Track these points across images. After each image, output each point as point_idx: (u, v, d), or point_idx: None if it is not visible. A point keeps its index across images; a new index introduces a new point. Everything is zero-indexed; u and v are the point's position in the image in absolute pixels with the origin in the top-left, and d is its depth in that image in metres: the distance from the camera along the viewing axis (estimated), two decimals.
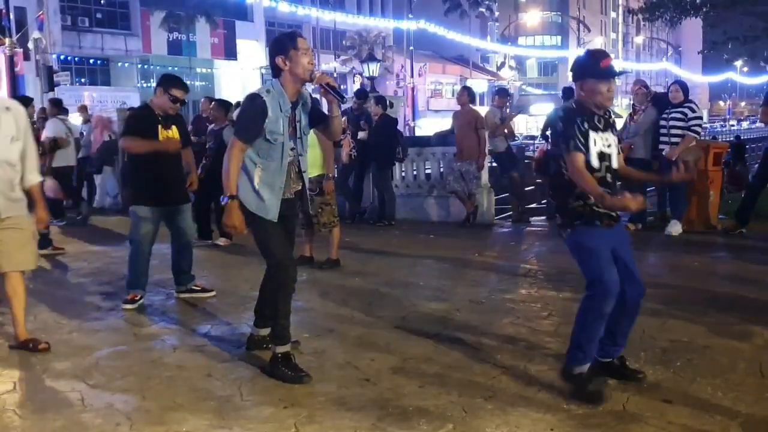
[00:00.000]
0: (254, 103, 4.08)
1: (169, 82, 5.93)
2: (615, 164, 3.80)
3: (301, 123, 4.25)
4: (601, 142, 3.73)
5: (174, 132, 5.94)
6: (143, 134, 5.86)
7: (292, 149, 4.22)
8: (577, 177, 3.65)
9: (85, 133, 13.12)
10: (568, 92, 11.17)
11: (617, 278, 3.69)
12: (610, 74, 3.73)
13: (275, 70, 4.16)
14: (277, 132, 4.08)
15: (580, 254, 3.81)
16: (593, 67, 3.72)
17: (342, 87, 43.74)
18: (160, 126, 5.84)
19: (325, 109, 4.38)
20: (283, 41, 4.16)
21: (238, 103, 10.45)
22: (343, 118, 10.64)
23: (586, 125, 3.68)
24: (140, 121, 5.97)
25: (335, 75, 45.45)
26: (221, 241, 8.71)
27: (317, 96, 4.72)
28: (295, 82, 4.13)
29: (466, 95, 10.47)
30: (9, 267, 4.65)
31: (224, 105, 9.32)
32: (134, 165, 6.06)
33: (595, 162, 3.69)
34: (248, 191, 4.15)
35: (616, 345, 3.97)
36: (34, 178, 4.68)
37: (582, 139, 3.66)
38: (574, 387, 3.81)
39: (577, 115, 3.70)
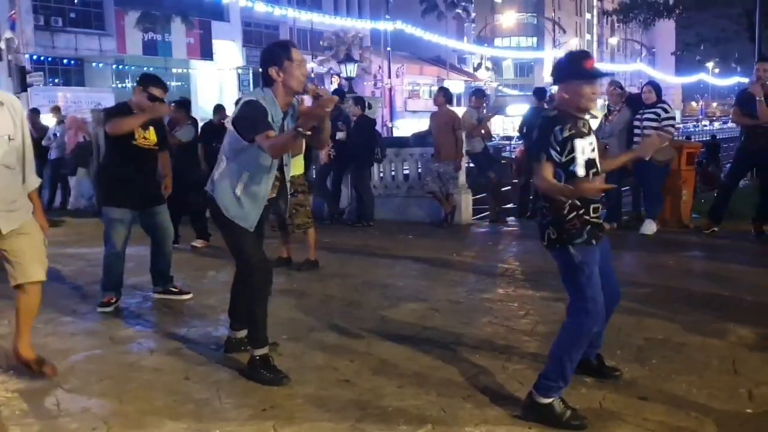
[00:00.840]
0: (257, 104, 4.00)
1: (147, 80, 5.89)
2: (600, 167, 3.66)
3: (289, 126, 4.19)
4: (588, 149, 3.55)
5: (151, 133, 5.87)
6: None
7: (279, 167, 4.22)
8: (544, 186, 3.54)
9: (58, 135, 12.99)
10: (540, 93, 11.23)
11: (603, 301, 3.61)
12: (594, 75, 3.58)
13: (267, 80, 4.09)
14: None
15: (574, 274, 3.59)
16: (577, 69, 3.56)
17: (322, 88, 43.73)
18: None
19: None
20: (277, 52, 4.10)
21: (219, 106, 10.39)
22: None
23: (567, 133, 3.48)
24: (118, 115, 5.91)
25: (313, 75, 45.41)
26: (198, 243, 8.67)
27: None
28: (288, 93, 4.10)
29: (443, 96, 10.50)
30: (24, 278, 4.12)
31: (183, 105, 9.26)
32: (106, 165, 6.01)
33: (581, 171, 3.50)
34: (229, 197, 4.12)
35: (593, 346, 3.92)
36: (33, 181, 4.20)
37: (557, 148, 3.48)
38: (552, 420, 3.50)
39: (556, 124, 3.50)
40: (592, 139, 3.61)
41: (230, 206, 4.13)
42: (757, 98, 7.95)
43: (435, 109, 10.69)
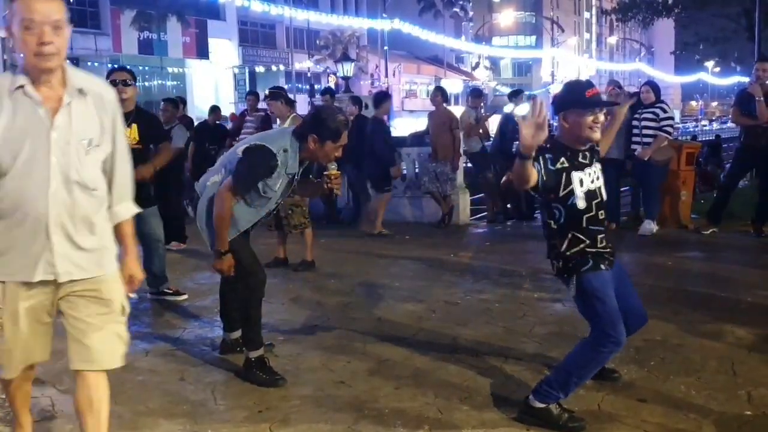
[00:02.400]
0: (266, 162, 3.98)
1: (108, 74, 5.75)
2: (605, 195, 3.54)
3: (297, 178, 4.23)
4: (588, 180, 3.44)
5: (133, 131, 5.65)
6: None
7: (276, 202, 4.25)
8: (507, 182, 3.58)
9: None
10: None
11: (623, 327, 3.49)
12: (596, 104, 3.44)
13: (303, 136, 4.09)
14: (272, 190, 4.07)
15: (589, 302, 3.49)
16: (578, 97, 3.44)
17: (316, 87, 43.53)
18: None
19: None
20: (328, 128, 4.08)
21: (215, 107, 10.36)
22: None
23: (559, 165, 3.36)
24: None
25: (309, 75, 45.40)
26: (173, 245, 8.42)
27: None
28: (312, 158, 4.17)
29: (440, 96, 10.47)
30: (84, 364, 2.79)
31: (173, 102, 9.20)
32: None
33: (581, 203, 3.40)
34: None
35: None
36: (125, 209, 2.89)
37: (544, 177, 3.31)
38: (550, 422, 3.49)
39: (546, 152, 3.35)
40: (595, 168, 3.51)
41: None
42: (757, 98, 7.93)
43: (432, 108, 10.66)
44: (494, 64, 72.56)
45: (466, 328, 5.15)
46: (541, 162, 3.29)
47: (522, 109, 10.58)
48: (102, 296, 2.72)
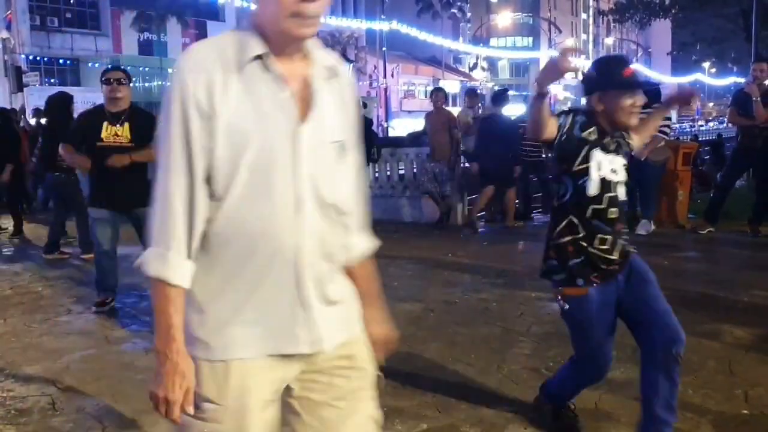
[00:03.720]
0: None
1: (102, 73, 5.82)
2: (622, 196, 3.03)
3: None
4: (607, 167, 2.97)
5: (125, 129, 5.64)
6: (84, 132, 5.73)
7: None
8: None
9: None
10: (499, 95, 11.03)
11: (611, 355, 3.18)
12: (634, 85, 3.03)
13: None
14: None
15: (570, 325, 3.21)
16: (614, 77, 2.99)
17: None
18: (106, 122, 5.62)
19: None
20: None
21: None
22: None
23: (586, 134, 2.96)
24: (84, 118, 5.88)
25: None
26: None
27: None
28: None
29: (443, 96, 10.54)
30: None
31: None
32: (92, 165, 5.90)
33: (593, 189, 2.94)
34: None
35: (662, 423, 3.08)
36: (368, 241, 2.14)
37: (564, 138, 2.95)
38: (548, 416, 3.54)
39: (579, 115, 3.02)
40: (619, 160, 3.03)
41: None
42: (754, 98, 7.96)
43: (430, 108, 10.70)
44: (492, 65, 72.60)
45: (464, 327, 5.17)
46: (569, 121, 2.96)
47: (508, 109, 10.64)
48: (354, 364, 1.88)
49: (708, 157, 15.94)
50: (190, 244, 1.66)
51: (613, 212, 2.99)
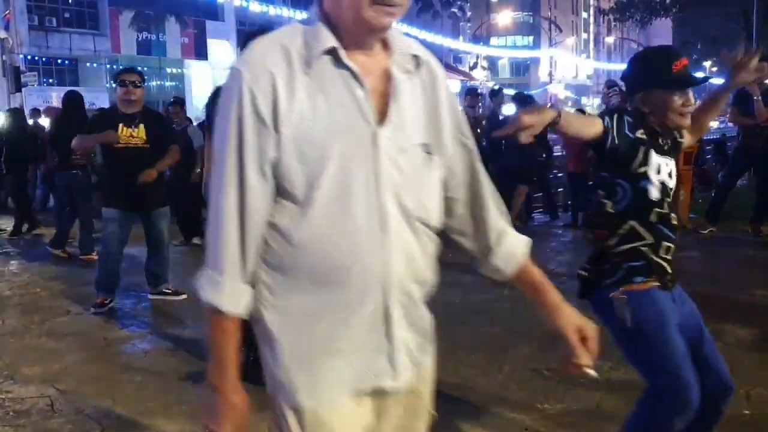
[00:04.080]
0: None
1: (117, 74, 5.87)
2: (671, 195, 2.65)
3: None
4: (665, 171, 2.60)
5: (140, 131, 5.72)
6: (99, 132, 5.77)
7: None
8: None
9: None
10: (497, 93, 11.23)
11: (696, 377, 2.47)
12: (684, 82, 2.60)
13: None
14: None
15: (640, 340, 2.52)
16: (660, 74, 2.58)
17: None
18: (121, 124, 5.68)
19: None
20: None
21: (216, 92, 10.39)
22: None
23: (641, 135, 2.56)
24: (100, 120, 5.91)
25: None
26: (199, 240, 8.64)
27: None
28: None
29: None
30: None
31: (180, 103, 9.51)
32: (104, 167, 5.98)
33: (655, 193, 2.55)
34: None
35: None
36: (521, 242, 1.93)
37: (618, 141, 2.49)
38: None
39: (627, 114, 2.57)
40: (671, 163, 2.65)
41: None
42: (755, 97, 7.94)
43: None
44: (492, 64, 72.60)
45: (465, 328, 5.15)
46: (615, 122, 2.50)
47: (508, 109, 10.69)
48: (419, 400, 1.69)
49: (709, 156, 15.92)
50: (246, 268, 1.49)
51: (675, 218, 2.63)
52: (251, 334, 1.61)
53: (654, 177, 2.56)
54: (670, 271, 2.60)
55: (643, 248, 2.54)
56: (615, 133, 2.48)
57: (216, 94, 4.13)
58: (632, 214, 2.56)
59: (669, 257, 2.60)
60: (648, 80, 2.61)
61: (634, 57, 2.77)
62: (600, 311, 2.55)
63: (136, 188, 5.63)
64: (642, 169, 2.55)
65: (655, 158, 2.57)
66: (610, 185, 2.60)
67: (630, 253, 2.54)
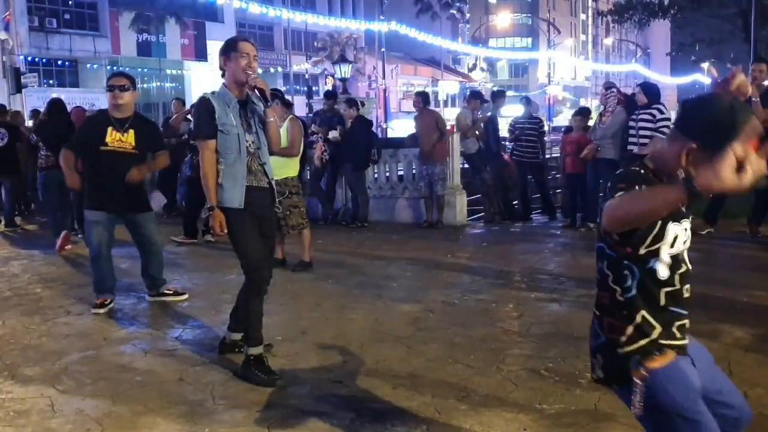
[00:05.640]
0: (200, 104, 4.30)
1: (107, 80, 5.88)
2: (688, 261, 2.31)
3: (254, 119, 4.36)
4: (682, 238, 2.25)
5: (130, 136, 5.71)
6: (88, 137, 5.75)
7: (252, 142, 4.30)
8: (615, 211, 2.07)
9: None
10: (498, 95, 11.46)
11: None
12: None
13: (221, 70, 4.37)
14: (229, 123, 4.20)
15: (667, 422, 2.25)
16: (733, 134, 2.04)
17: (314, 88, 43.28)
18: (110, 128, 5.67)
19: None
20: (227, 43, 4.38)
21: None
22: (312, 126, 10.71)
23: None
24: (89, 125, 5.92)
25: (307, 76, 45.41)
26: (211, 237, 8.80)
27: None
28: (234, 82, 4.29)
29: (419, 99, 10.66)
30: None
31: (182, 102, 9.88)
32: (89, 170, 5.92)
33: (663, 271, 2.23)
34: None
35: None
36: None
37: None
38: None
39: (642, 180, 2.17)
40: (686, 221, 2.27)
41: (217, 195, 4.23)
42: (753, 99, 7.94)
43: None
44: (491, 66, 72.65)
45: (463, 328, 5.17)
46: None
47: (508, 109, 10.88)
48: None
49: None
50: None
51: (687, 290, 2.31)
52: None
53: (665, 252, 2.23)
54: (686, 342, 2.32)
55: (657, 341, 2.25)
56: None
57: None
58: (642, 301, 2.26)
59: (683, 335, 2.31)
60: (721, 138, 2.03)
61: (704, 100, 2.22)
62: (627, 401, 2.31)
63: (121, 191, 5.65)
64: (654, 247, 2.22)
65: (672, 229, 2.22)
66: (618, 268, 2.27)
67: (642, 351, 2.25)
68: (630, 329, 2.26)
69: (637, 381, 2.23)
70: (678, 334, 2.28)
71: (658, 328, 2.25)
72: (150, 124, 6.22)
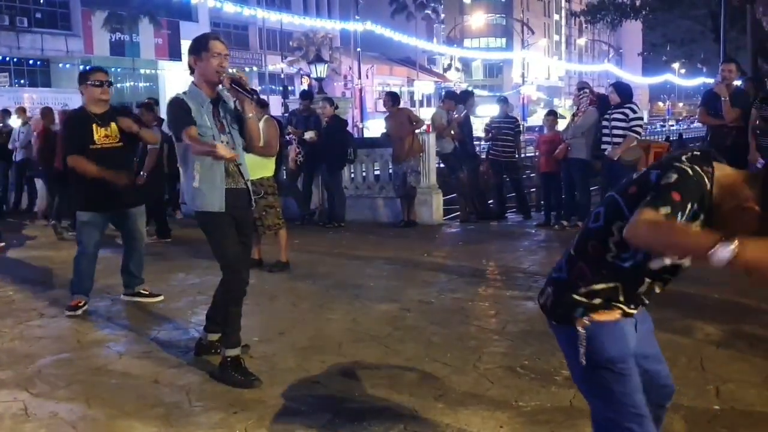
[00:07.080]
0: (175, 102, 4.23)
1: (85, 74, 5.81)
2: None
3: (227, 120, 4.31)
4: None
5: (113, 129, 5.72)
6: (80, 141, 5.68)
7: (227, 143, 4.24)
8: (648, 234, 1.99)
9: (23, 135, 12.78)
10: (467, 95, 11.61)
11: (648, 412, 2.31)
12: None
13: (190, 69, 4.29)
14: (204, 125, 4.16)
15: (599, 377, 2.28)
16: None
17: (290, 88, 43.10)
18: (95, 125, 5.65)
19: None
20: (197, 41, 4.29)
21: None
22: (288, 126, 10.68)
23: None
24: (76, 127, 5.81)
25: (282, 76, 45.24)
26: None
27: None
28: (206, 82, 4.23)
29: (390, 100, 10.70)
30: None
31: (151, 107, 9.70)
32: (72, 168, 5.85)
33: (657, 265, 2.22)
34: (191, 192, 4.23)
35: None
36: None
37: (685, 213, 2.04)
38: None
39: (697, 205, 2.07)
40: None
41: (196, 198, 4.21)
42: (722, 98, 8.08)
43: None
44: (466, 66, 72.89)
45: (440, 326, 5.19)
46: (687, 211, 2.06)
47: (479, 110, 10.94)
48: None
49: None
50: None
51: (660, 287, 2.31)
52: None
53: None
54: (635, 312, 2.32)
55: (613, 303, 2.27)
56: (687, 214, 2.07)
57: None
58: (624, 277, 2.24)
59: (635, 310, 2.32)
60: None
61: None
62: (561, 343, 2.40)
63: (114, 188, 5.64)
64: None
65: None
66: (623, 246, 2.18)
67: (600, 305, 2.27)
68: (598, 287, 2.26)
69: (579, 329, 2.26)
70: (631, 307, 2.29)
71: (622, 300, 2.26)
72: (126, 112, 6.27)
